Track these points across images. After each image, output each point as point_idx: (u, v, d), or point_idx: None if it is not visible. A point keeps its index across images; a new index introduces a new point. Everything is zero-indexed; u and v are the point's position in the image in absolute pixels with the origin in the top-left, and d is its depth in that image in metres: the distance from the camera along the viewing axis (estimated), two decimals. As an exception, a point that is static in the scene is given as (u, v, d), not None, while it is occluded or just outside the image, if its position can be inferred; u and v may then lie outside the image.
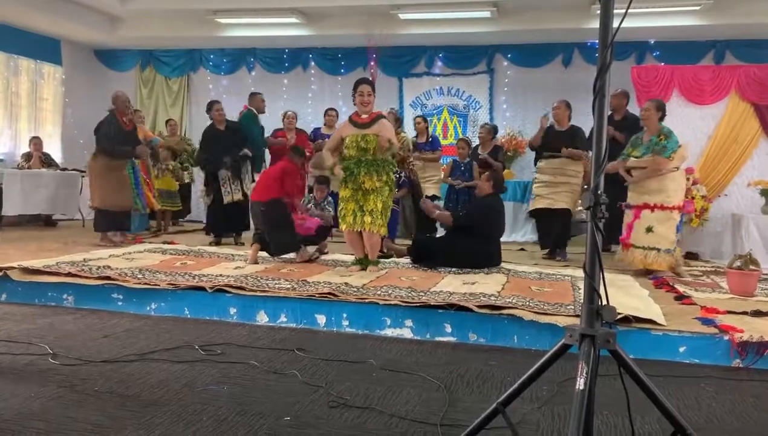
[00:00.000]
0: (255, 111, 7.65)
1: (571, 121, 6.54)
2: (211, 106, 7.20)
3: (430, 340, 3.88)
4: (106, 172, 6.86)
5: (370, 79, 5.35)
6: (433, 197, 7.40)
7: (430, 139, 7.97)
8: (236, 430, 2.40)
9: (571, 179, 6.41)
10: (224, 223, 7.13)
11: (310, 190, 6.17)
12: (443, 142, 9.70)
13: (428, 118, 9.91)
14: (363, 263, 5.28)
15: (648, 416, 2.55)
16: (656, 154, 5.33)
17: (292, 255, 5.82)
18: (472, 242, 5.48)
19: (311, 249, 5.97)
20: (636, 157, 5.56)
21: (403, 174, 6.73)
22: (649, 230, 5.37)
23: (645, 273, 5.47)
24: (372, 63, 5.99)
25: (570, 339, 1.78)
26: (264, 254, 5.81)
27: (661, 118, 5.50)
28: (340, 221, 5.27)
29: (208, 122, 7.25)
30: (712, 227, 6.96)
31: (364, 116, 5.15)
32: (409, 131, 8.78)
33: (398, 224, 6.74)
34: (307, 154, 7.33)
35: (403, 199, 6.93)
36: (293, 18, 9.17)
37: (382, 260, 5.95)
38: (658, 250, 5.35)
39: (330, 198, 6.32)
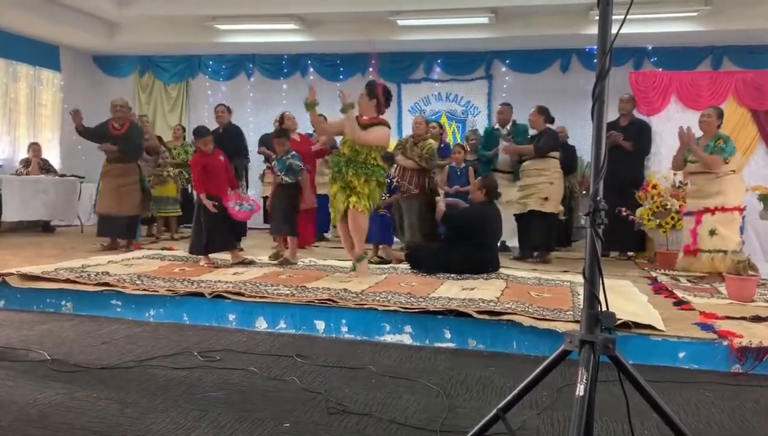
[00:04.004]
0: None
1: (547, 124, 6.77)
2: (216, 108, 7.27)
3: (429, 346, 3.88)
4: (102, 176, 7.03)
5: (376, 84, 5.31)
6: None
7: (442, 146, 7.95)
8: (235, 437, 2.39)
9: (537, 179, 6.66)
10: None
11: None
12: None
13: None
14: (359, 259, 5.24)
15: (648, 421, 2.54)
16: (714, 154, 5.37)
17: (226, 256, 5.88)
18: (466, 249, 5.47)
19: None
20: (692, 162, 5.59)
21: (395, 180, 6.69)
22: (712, 233, 5.39)
23: (713, 277, 5.42)
24: (372, 68, 5.97)
25: (570, 345, 1.78)
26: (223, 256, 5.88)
27: (719, 126, 5.55)
28: (332, 216, 5.28)
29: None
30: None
31: (364, 117, 5.16)
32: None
33: (392, 229, 6.70)
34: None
35: (411, 203, 6.89)
36: (292, 24, 9.19)
37: (380, 265, 5.95)
38: (726, 252, 5.35)
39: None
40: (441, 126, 8.35)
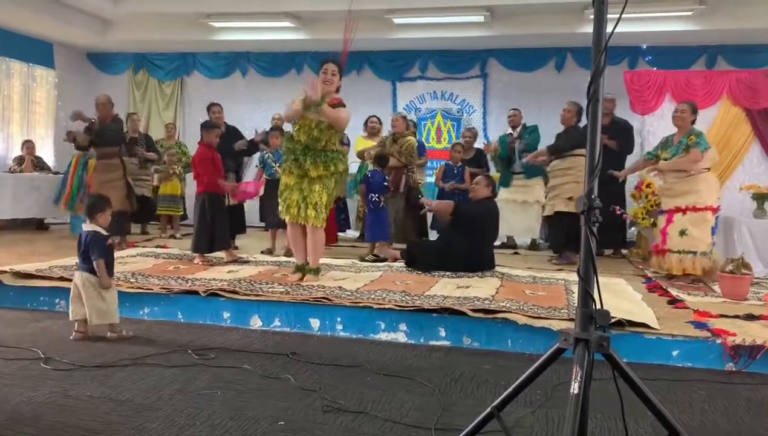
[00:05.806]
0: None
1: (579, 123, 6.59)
2: (210, 108, 7.13)
3: (424, 344, 3.88)
4: (93, 173, 7.07)
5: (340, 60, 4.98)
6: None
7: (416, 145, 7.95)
8: (230, 434, 2.39)
9: (563, 179, 6.59)
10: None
11: None
12: (437, 145, 9.81)
13: (422, 123, 9.99)
14: (303, 269, 4.84)
15: (642, 419, 2.55)
16: (691, 148, 5.24)
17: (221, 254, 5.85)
18: (466, 245, 5.47)
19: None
20: (666, 159, 5.48)
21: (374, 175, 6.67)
22: (682, 233, 5.26)
23: (682, 278, 5.32)
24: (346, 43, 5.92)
25: (564, 343, 1.78)
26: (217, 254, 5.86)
27: (693, 121, 5.46)
28: (281, 212, 4.85)
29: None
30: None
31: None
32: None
33: (390, 227, 6.67)
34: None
35: (394, 202, 6.85)
36: (287, 22, 9.16)
37: (374, 263, 5.94)
38: (694, 253, 5.23)
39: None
40: (414, 124, 8.42)
